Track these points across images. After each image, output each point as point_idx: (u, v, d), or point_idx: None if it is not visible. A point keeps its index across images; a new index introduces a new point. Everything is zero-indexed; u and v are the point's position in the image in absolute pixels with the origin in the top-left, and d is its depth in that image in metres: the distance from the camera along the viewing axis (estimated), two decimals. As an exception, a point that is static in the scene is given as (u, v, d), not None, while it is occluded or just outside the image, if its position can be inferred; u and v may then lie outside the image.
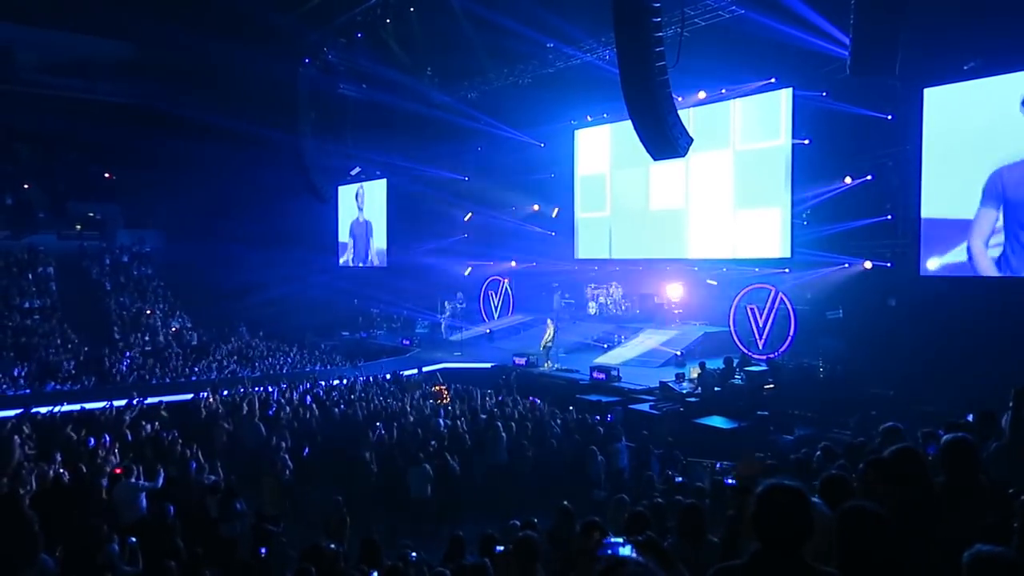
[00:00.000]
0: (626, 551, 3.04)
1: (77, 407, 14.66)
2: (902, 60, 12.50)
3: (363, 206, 32.70)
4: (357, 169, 31.91)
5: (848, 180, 16.64)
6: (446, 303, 26.78)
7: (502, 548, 5.68)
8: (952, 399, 11.28)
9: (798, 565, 2.41)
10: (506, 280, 26.84)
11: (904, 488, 3.40)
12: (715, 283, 19.10)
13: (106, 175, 34.22)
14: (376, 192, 31.91)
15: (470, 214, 27.50)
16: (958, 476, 3.49)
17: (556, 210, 25.31)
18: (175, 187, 31.32)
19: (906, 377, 13.87)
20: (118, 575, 6.60)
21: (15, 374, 21.25)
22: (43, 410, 14.28)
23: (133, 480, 9.21)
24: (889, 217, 16.28)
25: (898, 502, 3.28)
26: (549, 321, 20.30)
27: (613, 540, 3.54)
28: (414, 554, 6.72)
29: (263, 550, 7.84)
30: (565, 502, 7.04)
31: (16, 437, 11.44)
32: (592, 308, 23.97)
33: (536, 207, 25.93)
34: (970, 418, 7.18)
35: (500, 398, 16.06)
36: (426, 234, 28.48)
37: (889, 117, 15.81)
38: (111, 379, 21.40)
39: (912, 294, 15.59)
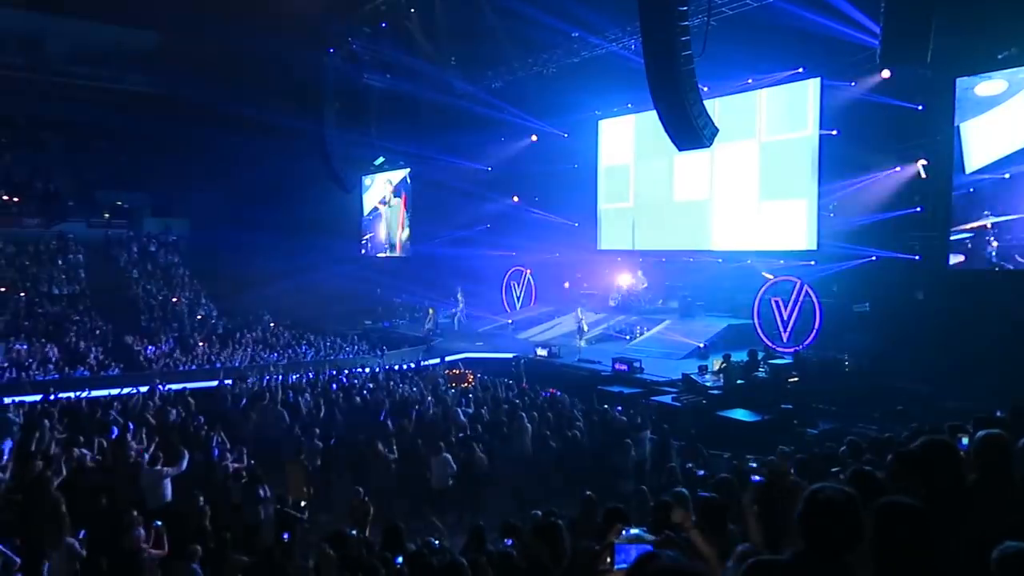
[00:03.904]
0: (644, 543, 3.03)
1: (105, 393, 14.90)
2: (934, 49, 12.25)
3: (387, 195, 32.83)
4: (381, 159, 31.99)
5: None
6: (459, 293, 26.76)
7: (511, 541, 5.69)
8: (980, 394, 11.13)
9: (843, 570, 2.37)
10: (528, 271, 26.82)
11: (933, 482, 3.33)
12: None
13: (134, 164, 34.59)
14: (399, 181, 32.03)
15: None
16: (991, 472, 3.42)
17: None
18: (201, 176, 31.63)
19: (933, 371, 13.68)
20: (144, 558, 6.71)
21: (46, 359, 21.61)
22: (71, 395, 14.52)
23: (158, 467, 9.33)
24: (918, 209, 16.01)
25: (926, 496, 3.22)
26: (580, 310, 20.57)
27: (632, 533, 3.50)
28: (437, 542, 6.74)
29: (286, 535, 7.92)
30: (588, 492, 7.01)
31: (45, 421, 11.66)
32: (613, 300, 23.87)
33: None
34: (998, 414, 7.06)
35: (525, 386, 16.07)
36: (449, 224, 28.49)
37: (920, 107, 15.52)
38: (138, 365, 21.70)
39: (940, 287, 15.35)
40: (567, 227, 25.41)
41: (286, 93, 25.84)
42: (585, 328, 20.52)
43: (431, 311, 26.51)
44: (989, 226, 14.54)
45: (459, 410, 13.68)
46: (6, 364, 20.88)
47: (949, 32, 13.03)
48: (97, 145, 33.90)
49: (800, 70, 18.17)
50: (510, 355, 20.13)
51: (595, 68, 21.63)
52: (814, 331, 17.03)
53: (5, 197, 30.56)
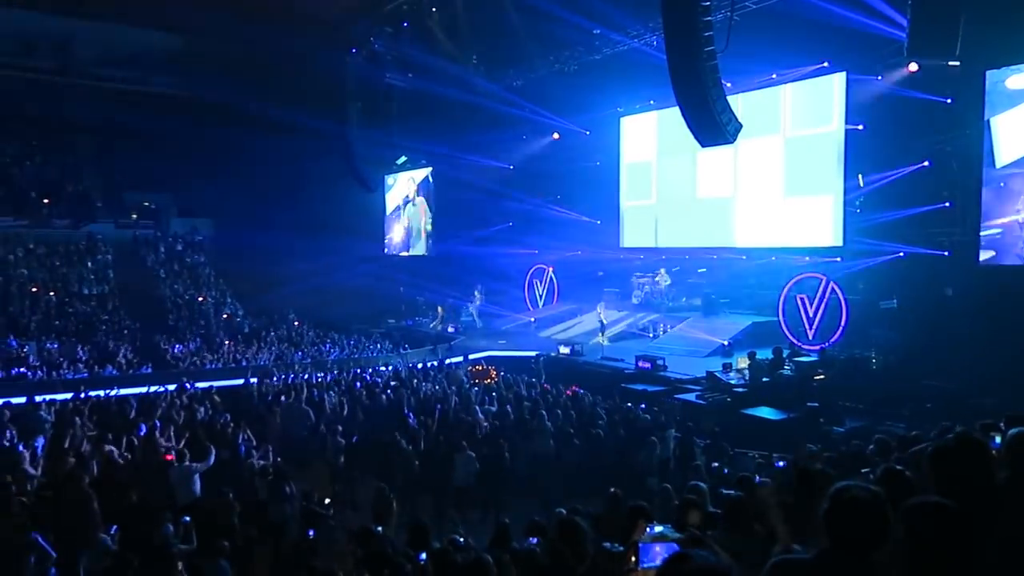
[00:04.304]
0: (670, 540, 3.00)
1: (134, 391, 15.12)
2: (963, 41, 12.05)
3: (410, 194, 32.97)
4: (403, 158, 32.12)
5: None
6: (476, 292, 26.88)
7: (536, 540, 5.68)
8: (1011, 392, 10.94)
9: (868, 570, 2.34)
10: (551, 269, 26.81)
11: (964, 480, 3.28)
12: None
13: (160, 165, 35.03)
14: (421, 180, 32.15)
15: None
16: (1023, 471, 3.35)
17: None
18: (226, 176, 31.96)
19: (963, 369, 13.46)
20: (173, 553, 6.79)
21: (76, 358, 21.98)
22: (101, 393, 14.74)
23: (187, 463, 9.46)
24: (947, 204, 15.76)
25: (957, 495, 3.16)
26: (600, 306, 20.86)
27: (656, 531, 3.48)
28: (461, 539, 6.76)
29: (311, 532, 7.98)
30: (613, 489, 6.99)
31: (76, 419, 11.86)
32: (636, 297, 23.80)
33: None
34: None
35: (546, 384, 16.05)
36: (471, 222, 28.54)
37: (948, 101, 15.27)
38: (165, 364, 21.99)
39: (970, 283, 15.11)
40: (589, 225, 25.35)
41: (309, 93, 26.01)
42: (604, 321, 20.57)
43: (440, 309, 26.62)
44: (1021, 221, 14.27)
45: (477, 407, 13.70)
46: (38, 363, 21.28)
47: (978, 24, 12.81)
48: (124, 146, 34.35)
49: (825, 64, 17.94)
50: (532, 353, 20.14)
51: (617, 65, 21.52)
52: (840, 328, 16.86)
53: (36, 198, 31.11)
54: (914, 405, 12.97)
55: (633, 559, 3.19)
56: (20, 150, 32.32)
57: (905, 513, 2.52)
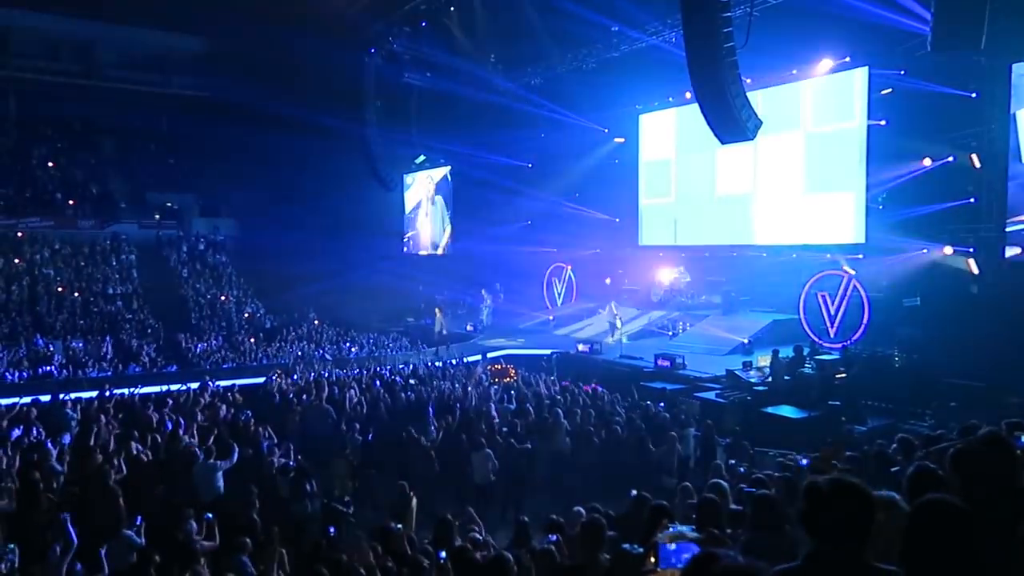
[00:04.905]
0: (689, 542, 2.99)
1: (158, 389, 15.30)
2: (988, 33, 11.86)
3: (429, 193, 33.05)
4: (422, 157, 32.22)
5: (927, 162, 15.91)
6: (484, 292, 26.89)
7: (556, 537, 5.68)
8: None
9: (857, 564, 2.26)
10: (569, 267, 26.76)
11: (988, 481, 3.23)
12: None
13: (182, 166, 35.41)
14: (440, 179, 32.23)
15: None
16: (1049, 471, 3.30)
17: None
18: (247, 176, 32.26)
19: (988, 367, 13.25)
20: (196, 550, 6.87)
21: (101, 356, 22.27)
22: (125, 391, 14.92)
23: (212, 460, 9.56)
24: (972, 200, 15.53)
25: (978, 495, 3.12)
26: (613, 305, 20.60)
27: (678, 530, 3.47)
28: (480, 537, 6.78)
29: (332, 529, 8.04)
30: (634, 491, 6.96)
31: (102, 416, 12.02)
32: (655, 295, 23.69)
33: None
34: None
35: (565, 383, 16.03)
36: (489, 221, 28.54)
37: (973, 95, 15.05)
38: (188, 362, 22.22)
39: (995, 280, 14.88)
40: (608, 223, 25.27)
41: (328, 94, 26.17)
42: (619, 324, 20.42)
43: (438, 311, 26.54)
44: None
45: (493, 406, 13.70)
46: (64, 361, 21.60)
47: (1004, 16, 12.61)
48: (147, 148, 34.82)
49: (847, 59, 17.76)
50: (548, 351, 20.10)
51: (635, 62, 21.43)
52: (863, 326, 16.66)
53: (61, 199, 31.57)
54: (938, 404, 12.79)
55: (653, 560, 3.17)
56: (45, 152, 32.80)
57: (912, 510, 2.46)
